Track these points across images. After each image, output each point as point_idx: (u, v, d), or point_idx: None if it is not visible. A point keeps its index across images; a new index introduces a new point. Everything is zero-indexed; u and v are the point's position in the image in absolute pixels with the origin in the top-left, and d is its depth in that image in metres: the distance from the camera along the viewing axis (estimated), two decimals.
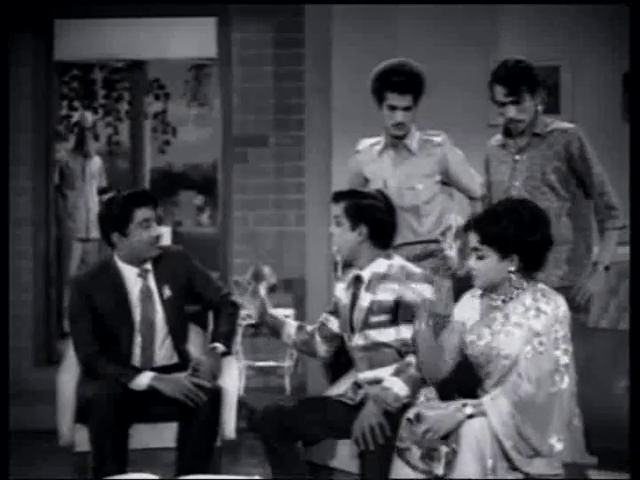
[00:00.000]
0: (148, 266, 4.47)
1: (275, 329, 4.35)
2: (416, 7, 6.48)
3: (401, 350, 4.04)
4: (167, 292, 4.47)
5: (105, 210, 4.49)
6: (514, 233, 3.66)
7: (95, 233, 8.60)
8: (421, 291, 4.03)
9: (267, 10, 6.67)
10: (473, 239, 3.73)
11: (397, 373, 3.96)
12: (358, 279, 4.17)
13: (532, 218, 3.72)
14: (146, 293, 4.44)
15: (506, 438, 3.51)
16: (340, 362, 4.53)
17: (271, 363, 6.63)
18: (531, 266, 3.74)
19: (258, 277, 6.59)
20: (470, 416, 3.55)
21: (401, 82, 4.71)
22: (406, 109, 4.73)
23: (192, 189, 11.15)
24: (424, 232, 4.71)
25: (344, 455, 4.00)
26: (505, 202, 3.86)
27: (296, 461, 4.01)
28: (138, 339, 4.42)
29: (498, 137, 4.69)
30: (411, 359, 3.97)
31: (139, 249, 4.41)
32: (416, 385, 3.92)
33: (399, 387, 3.90)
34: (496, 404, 3.56)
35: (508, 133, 4.59)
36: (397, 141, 4.81)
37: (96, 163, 8.74)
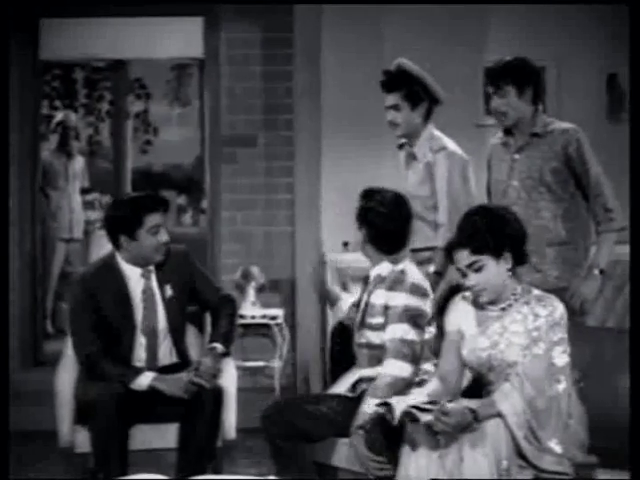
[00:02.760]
0: (151, 267, 4.45)
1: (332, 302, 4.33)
2: (405, 7, 6.50)
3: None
4: (169, 292, 4.45)
5: (114, 212, 4.44)
6: (500, 230, 3.72)
7: (79, 233, 8.57)
8: (404, 299, 4.03)
9: (255, 10, 6.66)
10: (464, 257, 3.72)
11: (370, 390, 3.97)
12: (366, 279, 4.23)
13: (503, 214, 3.80)
14: (148, 294, 4.43)
15: (518, 428, 3.53)
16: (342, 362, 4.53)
17: (260, 363, 6.62)
18: (519, 260, 3.78)
19: (247, 277, 6.63)
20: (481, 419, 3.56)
21: (385, 81, 4.75)
22: (394, 108, 4.72)
23: (173, 189, 11.11)
24: (436, 240, 4.67)
25: (348, 453, 4.01)
26: (471, 212, 3.85)
27: (302, 461, 4.03)
28: (142, 340, 4.40)
29: (499, 135, 4.70)
30: (382, 369, 3.97)
31: (146, 254, 4.39)
32: (393, 390, 3.89)
33: (367, 404, 3.89)
34: (507, 396, 3.58)
35: (508, 131, 4.61)
36: (406, 146, 4.83)
37: (79, 163, 8.66)
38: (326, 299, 4.37)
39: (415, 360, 3.99)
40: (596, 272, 4.47)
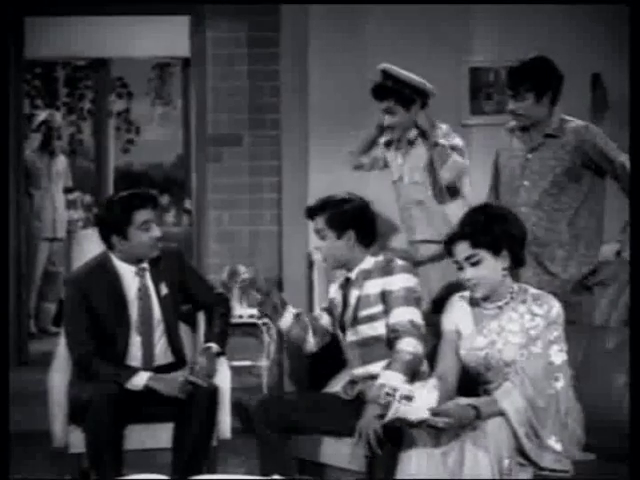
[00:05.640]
0: (145, 265, 4.45)
1: (276, 311, 4.29)
2: (392, 7, 6.51)
3: (390, 337, 4.07)
4: (164, 290, 4.46)
5: (104, 213, 4.45)
6: (501, 227, 3.75)
7: (62, 232, 8.53)
8: (403, 281, 4.08)
9: (242, 9, 6.66)
10: (462, 249, 3.75)
11: (389, 365, 3.97)
12: (348, 280, 4.23)
13: (505, 214, 3.84)
14: (144, 291, 4.43)
15: (519, 425, 3.54)
16: (324, 362, 4.53)
17: (247, 363, 6.62)
18: (517, 261, 3.80)
19: (234, 277, 6.61)
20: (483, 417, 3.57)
21: (374, 90, 4.83)
22: (388, 112, 4.78)
23: (156, 188, 11.08)
24: (435, 230, 4.72)
25: (339, 452, 4.02)
26: (475, 208, 3.92)
27: (287, 456, 4.04)
28: (137, 338, 4.39)
29: (514, 123, 4.67)
30: (400, 346, 3.98)
31: (139, 250, 4.39)
32: (411, 368, 3.95)
33: (394, 378, 3.89)
34: (509, 394, 3.59)
35: (525, 128, 4.59)
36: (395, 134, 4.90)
37: (62, 162, 8.61)
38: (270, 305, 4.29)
39: (423, 341, 4.02)
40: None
